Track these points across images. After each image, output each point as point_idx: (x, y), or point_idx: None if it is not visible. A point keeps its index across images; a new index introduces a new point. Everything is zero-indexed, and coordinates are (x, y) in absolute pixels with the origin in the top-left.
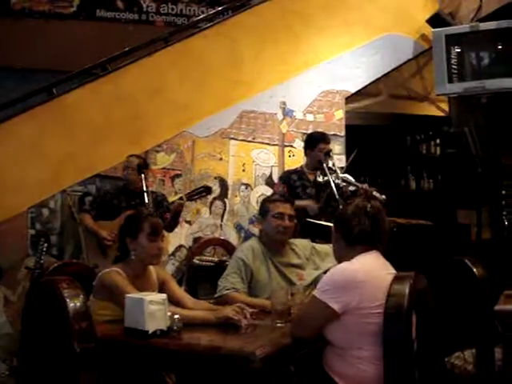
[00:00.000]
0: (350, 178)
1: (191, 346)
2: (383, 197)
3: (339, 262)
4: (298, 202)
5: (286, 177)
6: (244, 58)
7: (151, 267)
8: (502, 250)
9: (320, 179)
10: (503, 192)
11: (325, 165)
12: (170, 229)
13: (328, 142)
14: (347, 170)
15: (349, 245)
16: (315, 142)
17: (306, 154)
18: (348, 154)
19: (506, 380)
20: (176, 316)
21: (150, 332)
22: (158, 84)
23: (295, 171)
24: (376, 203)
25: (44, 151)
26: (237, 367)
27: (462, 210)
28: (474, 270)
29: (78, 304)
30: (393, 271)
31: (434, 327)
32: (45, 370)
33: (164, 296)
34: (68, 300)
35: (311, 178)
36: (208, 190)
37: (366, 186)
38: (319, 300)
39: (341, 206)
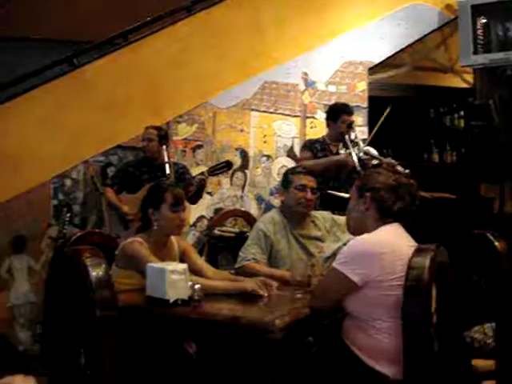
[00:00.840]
0: (373, 151)
1: (211, 316)
2: (407, 171)
3: (358, 231)
4: (335, 157)
5: (311, 144)
6: (267, 27)
7: (172, 237)
8: None
9: (342, 152)
10: None
11: (347, 137)
12: (194, 201)
13: (351, 114)
14: (374, 136)
15: (382, 217)
16: (338, 114)
17: (327, 126)
18: (371, 125)
19: None
20: (197, 286)
21: (171, 301)
22: (179, 54)
23: (318, 141)
24: (414, 182)
25: (65, 122)
26: (257, 337)
27: (485, 184)
28: (496, 243)
29: (101, 273)
30: (413, 243)
31: (454, 301)
32: (68, 338)
33: (185, 266)
34: (90, 269)
35: (334, 149)
36: (230, 165)
37: (389, 159)
38: (339, 272)
39: None
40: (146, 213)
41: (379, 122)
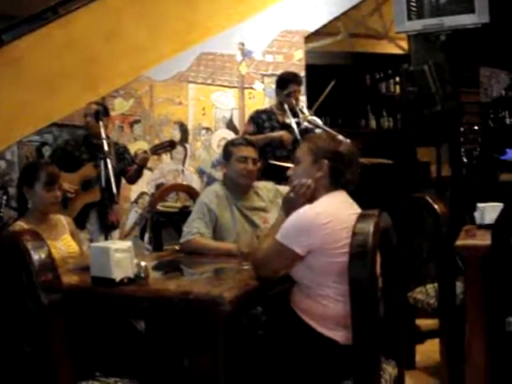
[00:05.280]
0: (318, 121)
1: (159, 292)
2: (348, 141)
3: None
4: (273, 134)
5: (257, 116)
6: None
7: (61, 217)
8: (461, 186)
9: (288, 121)
10: (461, 129)
11: (286, 106)
12: (133, 181)
13: (300, 84)
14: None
15: (333, 185)
16: (286, 83)
17: (276, 94)
18: (309, 94)
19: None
20: (143, 263)
21: (118, 280)
22: (112, 27)
23: (265, 111)
24: (357, 150)
25: None
26: (206, 311)
27: (422, 148)
28: (435, 206)
29: (43, 255)
30: (358, 210)
31: (398, 264)
32: (9, 326)
33: (129, 243)
34: (33, 252)
35: (281, 118)
36: (173, 145)
37: (331, 130)
38: (282, 244)
39: None
40: (21, 192)
41: (322, 96)
